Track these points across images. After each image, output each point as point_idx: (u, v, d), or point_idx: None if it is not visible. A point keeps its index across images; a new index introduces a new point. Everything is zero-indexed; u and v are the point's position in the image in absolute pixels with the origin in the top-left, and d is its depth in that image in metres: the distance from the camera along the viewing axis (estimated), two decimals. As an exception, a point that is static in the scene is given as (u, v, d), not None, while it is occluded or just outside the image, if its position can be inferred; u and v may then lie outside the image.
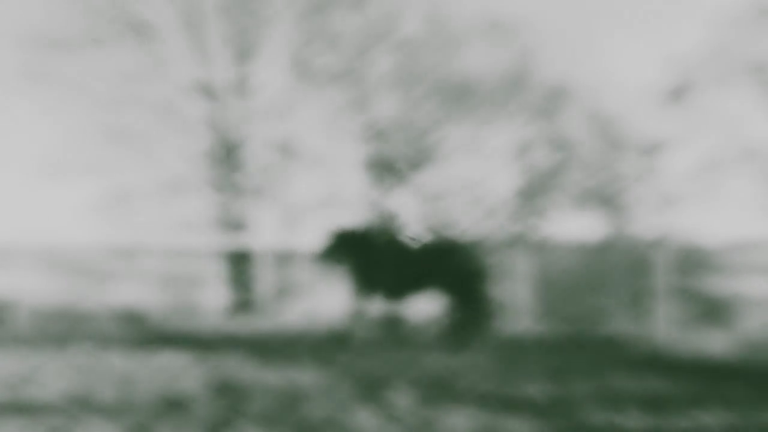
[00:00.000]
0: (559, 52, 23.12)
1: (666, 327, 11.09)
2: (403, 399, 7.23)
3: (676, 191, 22.92)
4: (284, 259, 18.47)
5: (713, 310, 18.86)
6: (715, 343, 13.87)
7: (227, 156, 20.77)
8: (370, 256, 12.05)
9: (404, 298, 12.62)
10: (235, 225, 20.67)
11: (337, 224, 13.30)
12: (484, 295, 12.20)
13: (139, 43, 20.64)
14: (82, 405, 6.90)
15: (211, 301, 17.75)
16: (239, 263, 20.45)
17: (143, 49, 20.65)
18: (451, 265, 11.82)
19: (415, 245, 12.19)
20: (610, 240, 20.72)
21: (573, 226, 27.43)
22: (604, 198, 22.52)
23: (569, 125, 22.68)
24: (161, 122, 21.28)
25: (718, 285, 20.50)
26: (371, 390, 7.67)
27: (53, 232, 17.32)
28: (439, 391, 7.68)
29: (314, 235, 14.92)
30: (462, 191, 22.42)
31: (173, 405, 6.91)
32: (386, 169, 21.84)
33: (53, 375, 8.60)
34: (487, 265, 14.07)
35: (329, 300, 14.28)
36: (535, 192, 22.06)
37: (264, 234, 20.32)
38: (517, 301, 15.46)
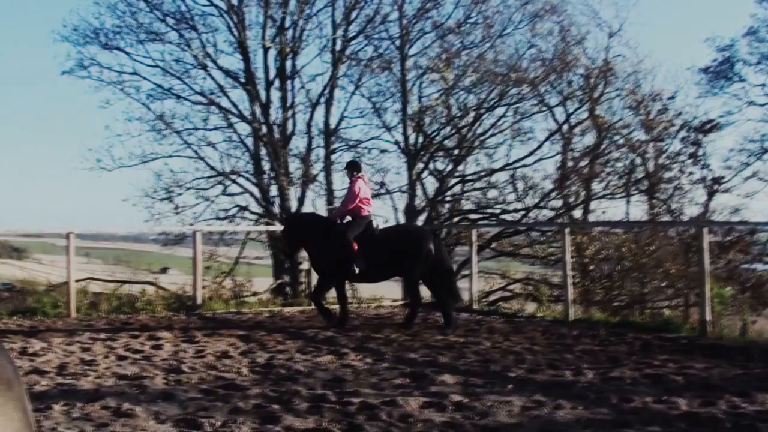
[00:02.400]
0: (602, 34, 22.87)
1: (713, 309, 10.97)
2: (446, 384, 7.28)
3: (722, 171, 22.60)
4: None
5: (762, 292, 18.60)
6: (765, 325, 13.68)
7: (272, 144, 20.91)
8: (323, 240, 11.93)
9: (369, 280, 12.62)
10: (279, 211, 20.83)
11: (288, 213, 13.27)
12: (446, 277, 12.16)
13: (184, 36, 20.86)
14: (132, 390, 7.06)
15: (258, 285, 17.96)
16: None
17: (188, 41, 20.86)
18: (410, 248, 11.74)
19: (376, 229, 12.11)
20: (655, 222, 20.48)
21: (617, 208, 27.14)
22: (649, 180, 22.29)
23: (612, 107, 22.46)
24: (206, 112, 21.55)
25: (766, 266, 20.19)
26: (415, 374, 7.73)
27: (103, 218, 17.66)
28: (483, 376, 7.71)
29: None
30: (505, 175, 22.36)
31: (222, 390, 7.04)
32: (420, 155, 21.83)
33: (103, 359, 8.79)
34: (445, 247, 14.19)
35: (376, 285, 14.36)
36: (578, 175, 21.89)
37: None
38: (560, 283, 15.38)
